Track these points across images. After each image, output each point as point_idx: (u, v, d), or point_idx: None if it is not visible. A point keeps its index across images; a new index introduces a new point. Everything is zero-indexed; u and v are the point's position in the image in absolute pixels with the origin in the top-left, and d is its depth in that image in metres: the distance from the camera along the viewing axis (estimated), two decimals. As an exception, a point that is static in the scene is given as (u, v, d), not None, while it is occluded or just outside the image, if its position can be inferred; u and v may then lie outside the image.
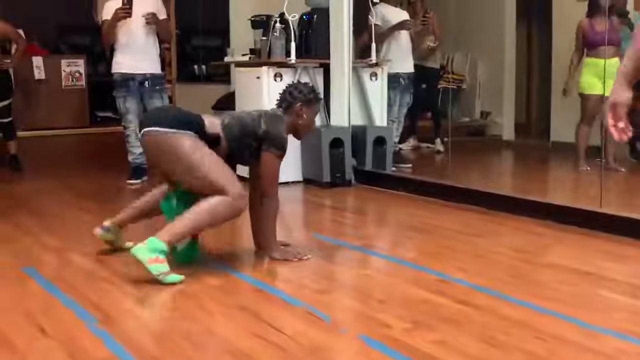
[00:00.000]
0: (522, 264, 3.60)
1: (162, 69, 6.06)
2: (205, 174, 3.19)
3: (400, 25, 6.59)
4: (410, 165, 6.41)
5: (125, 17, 5.56)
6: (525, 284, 3.22)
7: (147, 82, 5.68)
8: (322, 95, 3.65)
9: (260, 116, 3.43)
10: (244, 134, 3.38)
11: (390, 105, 6.51)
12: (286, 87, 3.63)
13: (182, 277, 3.12)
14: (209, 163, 3.21)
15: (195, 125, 3.27)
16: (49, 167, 7.01)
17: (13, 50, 7.15)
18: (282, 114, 3.53)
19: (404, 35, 6.67)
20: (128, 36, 5.67)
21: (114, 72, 5.82)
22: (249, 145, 3.38)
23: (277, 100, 3.59)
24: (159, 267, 3.07)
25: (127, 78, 5.71)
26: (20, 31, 7.21)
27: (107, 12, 5.77)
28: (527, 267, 3.53)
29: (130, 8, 5.53)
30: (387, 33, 6.51)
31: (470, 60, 9.01)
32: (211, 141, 3.29)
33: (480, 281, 3.19)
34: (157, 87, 5.71)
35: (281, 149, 3.41)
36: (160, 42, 6.02)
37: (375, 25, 6.34)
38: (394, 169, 6.19)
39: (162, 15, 5.88)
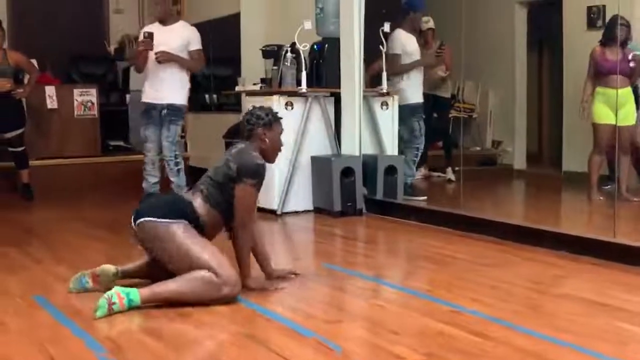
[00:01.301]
0: (537, 294, 3.56)
1: (189, 100, 6.03)
2: (197, 259, 3.21)
3: (427, 61, 6.58)
4: (424, 197, 6.34)
5: (145, 50, 5.58)
6: (540, 315, 3.18)
7: (163, 112, 5.69)
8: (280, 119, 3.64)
9: (228, 159, 3.44)
10: (223, 188, 3.41)
11: (418, 137, 6.47)
12: (243, 116, 3.65)
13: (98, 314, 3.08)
14: (201, 248, 3.25)
15: (187, 214, 3.33)
16: (61, 195, 7.03)
17: (26, 80, 7.22)
18: (248, 143, 3.53)
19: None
20: (153, 66, 5.68)
21: (141, 101, 5.87)
22: (231, 191, 3.40)
23: (239, 131, 3.59)
24: (106, 304, 3.08)
25: (150, 107, 5.73)
26: (33, 61, 7.30)
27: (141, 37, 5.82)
28: (541, 298, 3.49)
29: (152, 41, 5.55)
30: (410, 67, 6.45)
31: (481, 90, 9.02)
32: (206, 223, 3.37)
33: (495, 312, 3.15)
34: (172, 118, 5.71)
35: (254, 176, 3.41)
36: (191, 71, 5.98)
37: (395, 55, 6.35)
38: (424, 197, 6.21)
39: (194, 46, 5.78)
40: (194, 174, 8.23)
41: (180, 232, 3.25)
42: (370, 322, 3.19)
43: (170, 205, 3.38)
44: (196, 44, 5.80)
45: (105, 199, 6.88)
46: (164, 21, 5.75)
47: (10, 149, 6.94)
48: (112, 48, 9.51)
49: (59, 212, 6.19)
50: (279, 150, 3.68)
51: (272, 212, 5.90)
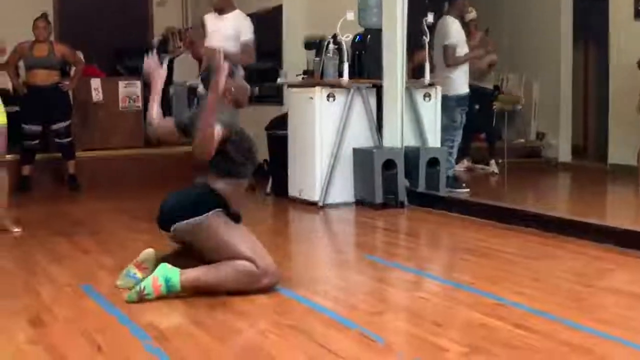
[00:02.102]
0: (582, 288, 3.51)
1: None
2: (236, 250, 3.22)
3: (480, 54, 6.49)
4: (466, 190, 6.30)
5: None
6: (586, 309, 3.14)
7: None
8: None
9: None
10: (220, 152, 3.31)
11: (457, 128, 6.43)
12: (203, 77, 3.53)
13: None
14: (240, 239, 3.27)
15: (212, 200, 3.31)
16: (106, 187, 7.14)
17: (72, 73, 7.33)
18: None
19: None
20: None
21: (198, 90, 5.94)
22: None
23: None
24: (149, 289, 3.13)
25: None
26: (79, 53, 7.41)
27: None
28: (586, 291, 3.44)
29: (203, 30, 5.61)
30: (467, 58, 6.38)
31: (525, 81, 8.90)
32: (229, 195, 3.33)
33: (539, 305, 3.12)
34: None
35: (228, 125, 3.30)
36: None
37: (451, 45, 6.29)
38: (467, 190, 6.19)
39: (245, 36, 5.80)
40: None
41: (215, 224, 3.26)
42: (412, 314, 3.18)
43: (195, 200, 3.34)
44: (247, 33, 5.84)
45: (149, 191, 6.96)
46: (219, 10, 5.83)
47: (57, 141, 7.06)
48: (155, 40, 9.60)
49: (105, 203, 6.29)
50: (244, 89, 3.59)
51: (314, 204, 5.91)
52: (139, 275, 3.45)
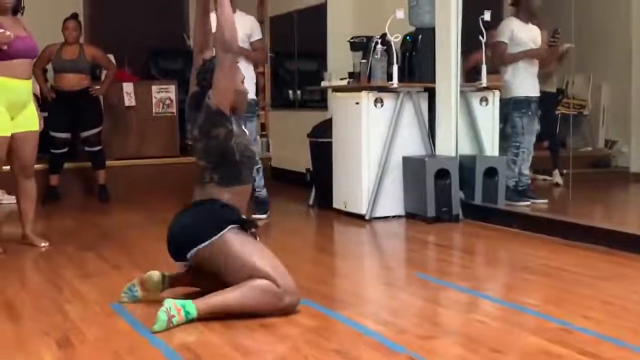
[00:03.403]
0: (656, 312, 3.44)
1: (256, 94, 6.19)
2: (255, 268, 3.22)
3: (536, 53, 6.43)
4: (527, 203, 6.25)
5: None
6: (661, 336, 3.08)
7: None
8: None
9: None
10: (223, 150, 3.39)
11: (519, 134, 6.37)
12: (197, 73, 3.53)
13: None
14: (258, 257, 3.27)
15: (223, 214, 3.33)
16: (138, 197, 7.23)
17: (103, 77, 7.45)
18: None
19: None
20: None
21: None
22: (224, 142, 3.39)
23: (199, 86, 3.49)
24: (165, 316, 3.12)
25: None
26: (110, 56, 7.53)
27: None
28: (662, 316, 3.38)
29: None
30: (518, 57, 6.36)
31: (592, 84, 8.77)
32: (237, 202, 3.39)
33: (608, 330, 3.07)
34: (247, 115, 5.83)
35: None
36: (255, 66, 6.17)
37: (498, 42, 6.27)
38: (529, 202, 6.19)
39: (256, 36, 6.03)
40: (277, 176, 8.40)
41: (231, 241, 3.27)
42: (468, 339, 3.15)
43: (207, 219, 3.36)
44: (258, 33, 6.03)
45: (184, 201, 7.02)
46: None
47: (87, 149, 7.18)
48: (191, 42, 9.72)
49: (136, 215, 6.37)
50: (245, 92, 3.59)
51: (360, 217, 5.90)
52: (140, 293, 3.53)
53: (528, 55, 6.34)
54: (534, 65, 6.44)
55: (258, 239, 3.42)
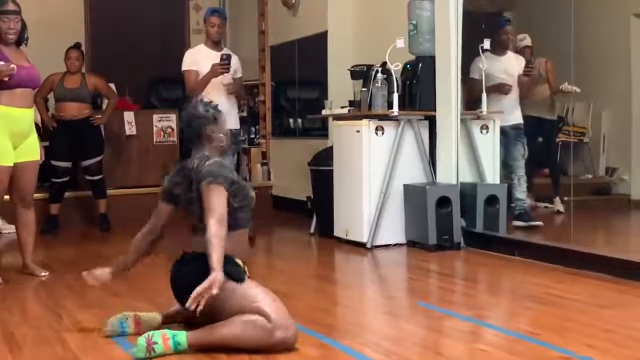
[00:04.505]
0: (660, 340, 3.43)
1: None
2: (250, 303, 3.18)
3: (498, 89, 6.53)
4: (539, 223, 6.36)
5: (223, 73, 5.92)
6: (665, 365, 3.06)
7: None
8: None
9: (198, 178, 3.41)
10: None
11: (516, 160, 6.46)
12: (183, 126, 3.59)
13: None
14: (250, 290, 3.25)
15: (229, 262, 3.28)
16: (139, 226, 7.17)
17: (104, 106, 7.48)
18: (200, 151, 3.48)
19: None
20: (214, 90, 5.96)
21: None
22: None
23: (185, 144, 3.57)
24: (144, 343, 3.12)
25: None
26: (112, 85, 7.56)
27: (190, 62, 6.25)
28: (666, 345, 3.36)
29: (229, 63, 5.92)
30: (489, 90, 6.43)
31: (593, 111, 8.80)
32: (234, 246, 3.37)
33: (612, 359, 3.06)
34: (235, 145, 6.04)
35: (216, 176, 3.35)
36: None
37: (472, 79, 6.36)
38: (524, 224, 6.29)
39: (240, 73, 6.35)
40: (277, 205, 8.40)
41: (226, 287, 3.19)
42: (470, 368, 3.14)
43: (203, 276, 3.21)
44: (241, 71, 6.39)
45: (185, 230, 7.01)
46: (217, 44, 6.21)
47: (88, 177, 7.19)
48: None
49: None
50: (226, 141, 3.61)
51: (362, 245, 5.90)
52: (132, 329, 3.49)
53: (493, 90, 6.44)
54: (511, 94, 6.54)
55: (247, 274, 3.37)
